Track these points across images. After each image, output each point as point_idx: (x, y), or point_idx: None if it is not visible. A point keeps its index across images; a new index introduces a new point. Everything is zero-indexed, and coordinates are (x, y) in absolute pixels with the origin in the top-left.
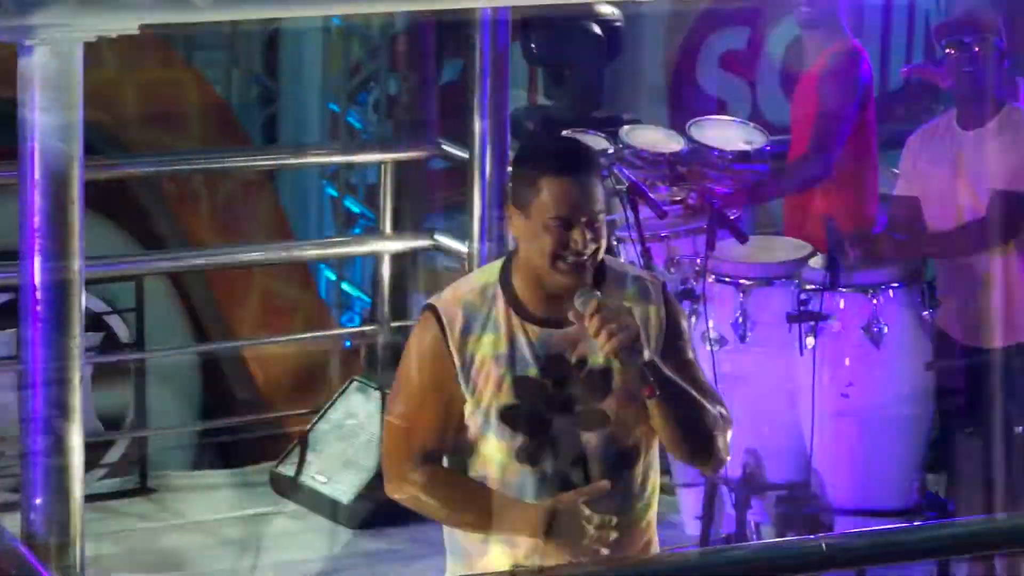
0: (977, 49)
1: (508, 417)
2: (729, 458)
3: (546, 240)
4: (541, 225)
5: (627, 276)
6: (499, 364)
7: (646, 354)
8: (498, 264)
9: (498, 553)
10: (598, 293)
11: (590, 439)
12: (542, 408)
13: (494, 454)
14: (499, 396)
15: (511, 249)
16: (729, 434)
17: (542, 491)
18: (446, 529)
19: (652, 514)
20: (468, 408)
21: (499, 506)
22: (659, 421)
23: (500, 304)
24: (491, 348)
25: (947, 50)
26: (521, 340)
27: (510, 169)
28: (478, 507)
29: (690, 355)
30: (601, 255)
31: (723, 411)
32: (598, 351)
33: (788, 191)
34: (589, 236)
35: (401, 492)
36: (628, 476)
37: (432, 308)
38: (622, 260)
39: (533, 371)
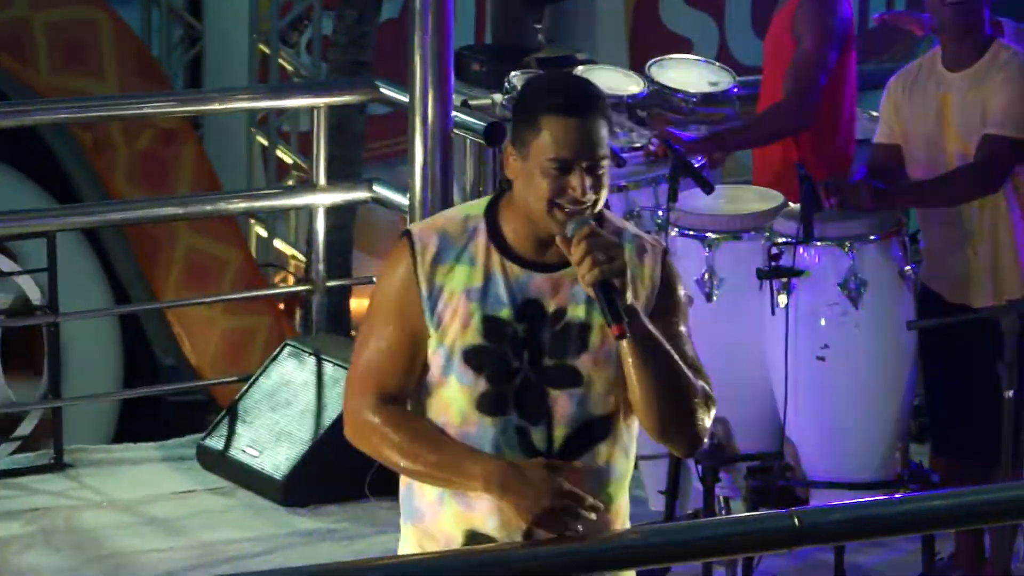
0: None
1: (472, 358)
2: (706, 442)
3: (543, 184)
4: (538, 167)
5: (625, 232)
6: (469, 299)
7: (628, 296)
8: (485, 199)
9: (451, 515)
10: (593, 223)
11: (558, 397)
12: (509, 354)
13: (454, 398)
14: (465, 335)
15: (503, 188)
16: (711, 415)
17: (501, 446)
18: (403, 486)
19: (622, 502)
20: (432, 345)
21: (458, 455)
22: (633, 381)
23: (481, 238)
24: (463, 281)
25: None
26: (498, 277)
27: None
28: (436, 455)
29: (681, 328)
30: (601, 206)
31: (708, 389)
32: (580, 299)
33: (761, 141)
34: (589, 183)
35: (357, 435)
36: (595, 449)
37: (407, 234)
38: None
39: (506, 312)
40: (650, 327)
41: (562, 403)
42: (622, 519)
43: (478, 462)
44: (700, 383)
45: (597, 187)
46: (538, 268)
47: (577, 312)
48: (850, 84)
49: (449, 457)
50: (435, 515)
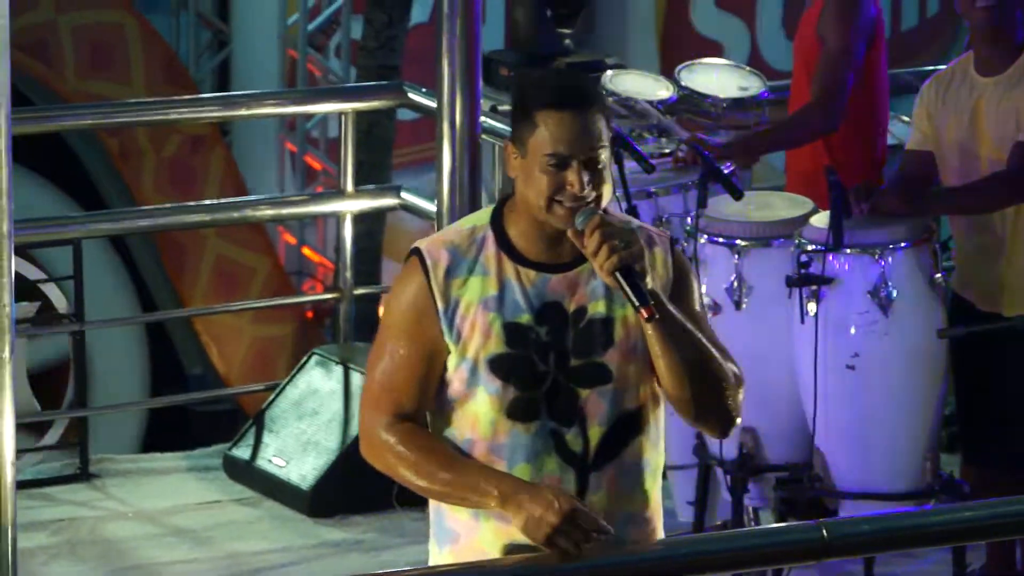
0: None
1: (498, 367)
2: (740, 420)
3: (542, 180)
4: (537, 164)
5: (630, 224)
6: (487, 308)
7: (649, 280)
8: (490, 208)
9: (491, 531)
10: (601, 212)
11: (589, 397)
12: (535, 358)
13: (483, 411)
14: (488, 345)
15: (508, 193)
16: (741, 394)
17: (538, 451)
18: (432, 511)
19: (656, 496)
20: (452, 361)
21: (473, 473)
22: (663, 365)
23: (490, 246)
24: (479, 291)
25: None
26: (513, 284)
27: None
28: (451, 473)
29: (699, 309)
30: (605, 203)
31: (735, 368)
32: (599, 295)
33: (791, 144)
34: (587, 178)
35: (373, 454)
36: (630, 444)
37: (416, 251)
38: None
39: (526, 318)
40: (673, 309)
41: (593, 402)
42: (659, 515)
43: (492, 479)
44: (728, 364)
45: (597, 182)
46: (552, 269)
47: (598, 308)
48: (881, 85)
49: (463, 475)
50: (472, 533)
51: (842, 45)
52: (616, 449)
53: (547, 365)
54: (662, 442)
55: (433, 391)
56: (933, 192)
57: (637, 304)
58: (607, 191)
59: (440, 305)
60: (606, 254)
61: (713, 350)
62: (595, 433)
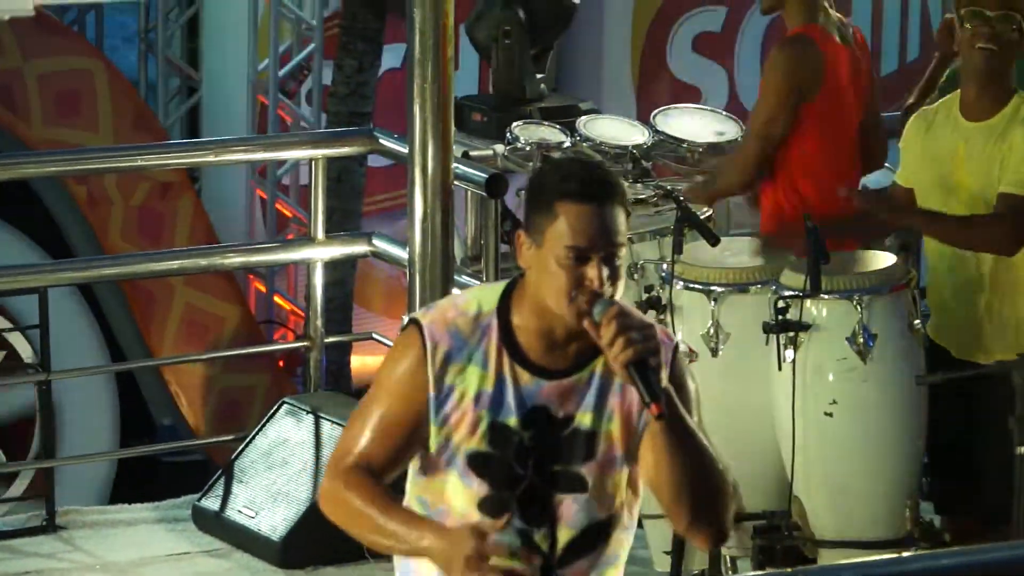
0: (997, 26)
1: (476, 464)
2: (732, 534)
3: (560, 275)
4: (553, 256)
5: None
6: (478, 405)
7: (663, 375)
8: (498, 289)
9: None
10: (619, 303)
11: (563, 500)
12: (513, 462)
13: (455, 495)
14: (470, 440)
15: (516, 276)
16: (735, 507)
17: (503, 545)
18: (396, 564)
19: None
20: (433, 438)
21: (407, 523)
22: (666, 466)
23: (493, 337)
24: (475, 385)
25: (964, 22)
26: (508, 383)
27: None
28: (387, 520)
29: (695, 417)
30: (617, 298)
31: (734, 482)
32: (588, 407)
33: (727, 193)
34: (606, 273)
35: (325, 494)
36: (599, 547)
37: (417, 325)
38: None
39: (512, 420)
40: (682, 410)
41: (566, 506)
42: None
43: (424, 533)
44: (728, 474)
45: (614, 278)
46: (548, 375)
47: (584, 420)
48: (833, 131)
49: (398, 526)
50: None
51: (764, 100)
52: (583, 552)
53: (524, 470)
54: (632, 533)
55: (405, 460)
56: (923, 209)
57: (648, 400)
58: (621, 287)
59: (432, 391)
60: (622, 345)
61: (716, 458)
62: (564, 535)
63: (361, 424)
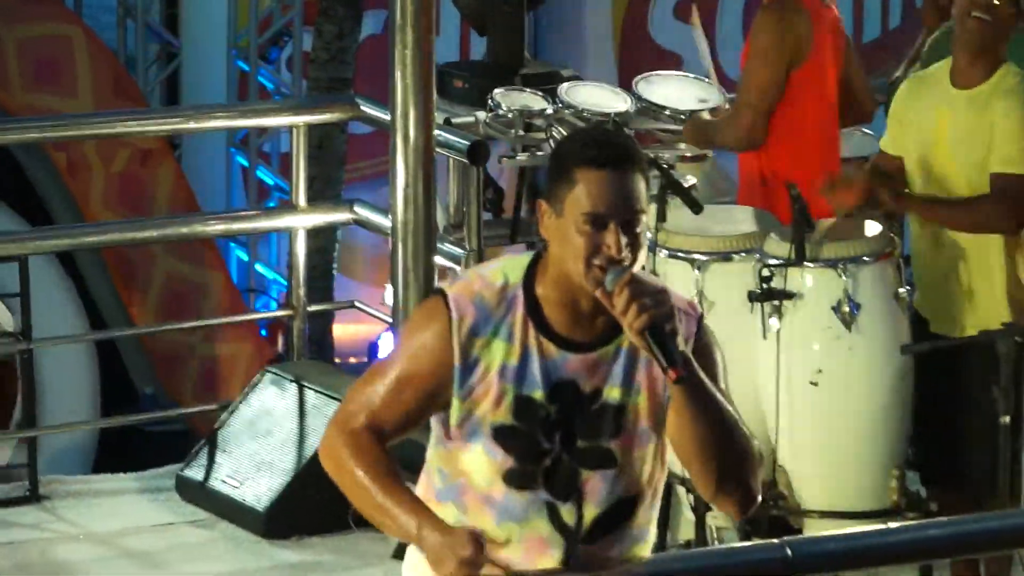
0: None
1: (501, 437)
2: (760, 500)
3: (578, 241)
4: (573, 224)
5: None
6: (503, 377)
7: (680, 340)
8: (524, 262)
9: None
10: (633, 270)
11: (590, 477)
12: (540, 435)
13: (480, 468)
14: (496, 412)
15: (541, 247)
16: (763, 472)
17: (526, 517)
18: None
19: (648, 549)
20: (456, 412)
21: (401, 504)
22: (689, 433)
23: (519, 310)
24: (500, 357)
25: None
26: (533, 356)
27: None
28: (383, 497)
29: (723, 385)
30: (636, 268)
31: (760, 447)
32: (616, 381)
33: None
34: (625, 240)
35: (328, 449)
36: (626, 524)
37: (443, 295)
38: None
39: (539, 394)
40: (701, 375)
41: (594, 483)
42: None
43: (423, 522)
44: (754, 441)
45: (634, 246)
46: (573, 348)
47: (612, 394)
48: (818, 97)
49: (397, 509)
50: None
51: (754, 66)
52: (609, 528)
53: (551, 443)
54: (658, 504)
55: (413, 428)
56: (926, 196)
57: (665, 365)
58: (641, 256)
59: (458, 362)
60: (635, 312)
61: (740, 422)
62: (591, 512)
63: (377, 386)
